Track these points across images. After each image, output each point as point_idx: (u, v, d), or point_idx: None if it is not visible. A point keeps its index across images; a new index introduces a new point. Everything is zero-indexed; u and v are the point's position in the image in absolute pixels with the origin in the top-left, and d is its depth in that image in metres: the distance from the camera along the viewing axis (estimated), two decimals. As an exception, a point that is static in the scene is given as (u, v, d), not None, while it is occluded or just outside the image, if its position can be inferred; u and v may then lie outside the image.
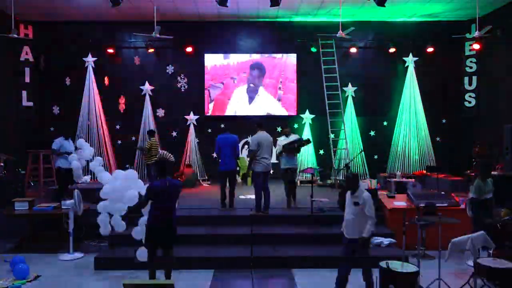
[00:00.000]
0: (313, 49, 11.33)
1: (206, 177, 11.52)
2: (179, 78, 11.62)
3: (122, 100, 11.55)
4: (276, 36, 11.64)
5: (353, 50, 11.42)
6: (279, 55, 11.54)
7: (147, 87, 11.42)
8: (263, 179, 7.37)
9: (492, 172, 7.33)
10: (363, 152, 11.10)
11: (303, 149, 11.36)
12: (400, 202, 7.38)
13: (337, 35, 9.59)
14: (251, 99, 11.57)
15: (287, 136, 7.85)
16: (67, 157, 8.14)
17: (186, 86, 11.65)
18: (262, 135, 7.44)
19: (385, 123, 11.66)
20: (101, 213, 6.13)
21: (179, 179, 10.14)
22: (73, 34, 11.26)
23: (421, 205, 6.81)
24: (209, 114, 11.60)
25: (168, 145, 10.96)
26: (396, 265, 4.41)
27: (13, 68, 11.08)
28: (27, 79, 11.27)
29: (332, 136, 11.07)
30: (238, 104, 11.57)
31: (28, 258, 6.19)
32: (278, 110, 11.57)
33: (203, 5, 10.04)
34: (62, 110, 11.53)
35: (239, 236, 6.72)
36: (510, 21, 9.68)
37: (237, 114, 11.58)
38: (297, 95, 11.54)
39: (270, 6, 8.44)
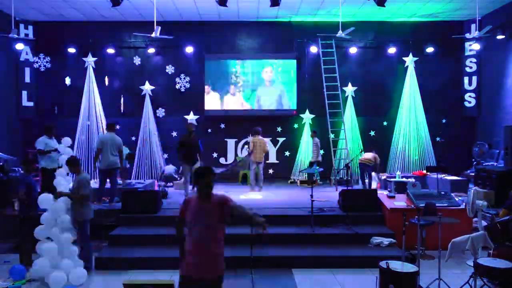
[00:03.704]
0: (313, 49, 11.33)
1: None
2: (179, 78, 11.62)
3: (122, 100, 11.55)
4: (276, 36, 11.64)
5: (353, 50, 11.42)
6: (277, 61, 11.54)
7: (147, 87, 11.42)
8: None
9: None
10: (363, 152, 11.08)
11: (303, 149, 11.46)
12: (400, 202, 7.38)
13: (337, 35, 9.59)
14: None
15: None
16: (53, 156, 7.87)
17: (186, 86, 11.65)
18: (107, 135, 8.39)
19: (385, 123, 11.66)
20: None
21: None
22: (73, 34, 11.26)
23: (421, 205, 6.81)
24: (212, 108, 11.52)
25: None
26: (396, 265, 4.41)
27: (13, 68, 11.08)
28: (27, 79, 11.28)
29: (332, 136, 11.07)
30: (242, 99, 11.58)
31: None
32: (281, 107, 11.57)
33: (203, 5, 10.04)
34: (62, 110, 11.52)
35: (239, 236, 6.72)
36: (510, 21, 9.68)
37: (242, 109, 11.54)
38: (297, 95, 11.54)
39: (270, 6, 8.45)
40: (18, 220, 6.09)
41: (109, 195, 8.24)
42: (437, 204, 6.85)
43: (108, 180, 8.27)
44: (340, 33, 9.50)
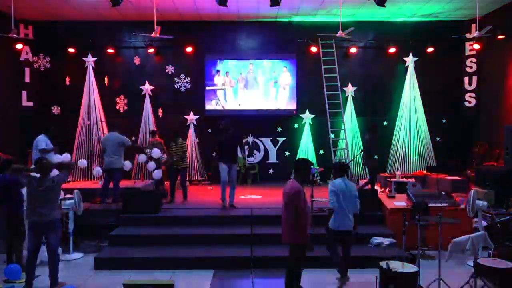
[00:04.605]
0: (313, 49, 11.33)
1: (207, 178, 11.52)
2: (179, 78, 11.62)
3: (122, 100, 11.56)
4: (276, 36, 11.64)
5: (353, 50, 11.42)
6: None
7: (147, 87, 11.42)
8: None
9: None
10: (363, 152, 11.08)
11: (303, 148, 11.46)
12: (400, 202, 7.38)
13: (337, 35, 9.59)
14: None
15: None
16: (51, 155, 7.90)
17: (186, 86, 11.65)
18: (108, 135, 8.65)
19: (385, 123, 11.66)
20: None
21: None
22: (73, 34, 11.25)
23: (414, 202, 6.81)
24: (213, 108, 11.51)
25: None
26: (396, 265, 4.41)
27: (13, 68, 11.08)
28: (27, 79, 11.27)
29: (332, 136, 11.06)
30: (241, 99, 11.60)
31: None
32: (280, 106, 11.58)
33: (203, 5, 10.04)
34: (62, 110, 11.52)
35: (239, 236, 6.72)
36: (510, 21, 9.68)
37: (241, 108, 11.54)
38: (297, 95, 11.54)
39: (270, 6, 8.44)
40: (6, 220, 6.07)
41: (112, 195, 8.23)
42: (437, 204, 6.85)
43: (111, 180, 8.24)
44: (340, 33, 9.49)
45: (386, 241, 6.55)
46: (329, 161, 11.06)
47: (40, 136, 8.22)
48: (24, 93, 11.25)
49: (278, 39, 11.64)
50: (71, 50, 11.18)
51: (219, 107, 11.50)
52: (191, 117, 11.53)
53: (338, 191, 5.43)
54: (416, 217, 5.22)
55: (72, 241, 6.81)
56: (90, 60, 11.22)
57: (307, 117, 11.53)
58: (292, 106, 11.54)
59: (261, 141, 11.76)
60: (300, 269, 4.86)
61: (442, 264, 5.04)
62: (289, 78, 11.51)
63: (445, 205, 7.03)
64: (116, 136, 8.28)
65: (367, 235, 6.71)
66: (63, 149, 8.86)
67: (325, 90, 11.11)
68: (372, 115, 11.62)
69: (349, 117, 11.41)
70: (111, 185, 8.23)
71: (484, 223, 6.05)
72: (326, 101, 11.11)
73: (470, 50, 11.19)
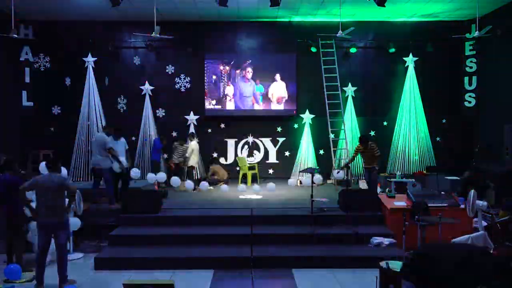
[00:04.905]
0: (313, 49, 11.33)
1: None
2: (179, 78, 11.62)
3: (122, 100, 11.55)
4: (276, 36, 11.64)
5: (353, 50, 11.42)
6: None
7: (147, 87, 11.42)
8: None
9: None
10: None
11: (303, 148, 11.45)
12: (400, 202, 7.37)
13: (337, 35, 9.59)
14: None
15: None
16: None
17: (186, 86, 11.65)
18: (96, 135, 8.69)
19: (385, 123, 11.66)
20: None
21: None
22: (73, 34, 11.25)
23: (414, 202, 6.80)
24: (213, 107, 11.54)
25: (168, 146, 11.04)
26: (396, 265, 4.41)
27: (13, 68, 11.08)
28: (27, 79, 11.27)
29: (332, 136, 11.06)
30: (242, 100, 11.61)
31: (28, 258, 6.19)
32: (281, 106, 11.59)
33: (203, 5, 10.04)
34: (62, 110, 11.51)
35: (239, 236, 6.72)
36: (510, 21, 9.68)
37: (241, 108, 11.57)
38: (297, 95, 11.54)
39: (270, 6, 8.45)
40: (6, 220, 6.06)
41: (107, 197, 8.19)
42: (437, 204, 6.85)
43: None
44: (340, 33, 9.49)
45: (386, 241, 6.57)
46: (329, 161, 11.08)
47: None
48: (24, 93, 11.26)
49: (278, 39, 11.64)
50: (71, 50, 11.17)
51: (218, 107, 11.52)
52: (191, 117, 11.53)
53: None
54: (416, 217, 5.23)
55: (72, 241, 6.81)
56: (90, 60, 11.22)
57: (307, 117, 11.53)
58: (292, 106, 11.56)
59: (261, 141, 11.76)
60: None
61: (442, 264, 5.03)
62: (283, 89, 11.52)
63: (445, 205, 7.03)
64: (101, 137, 8.12)
65: (367, 235, 6.72)
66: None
67: (325, 90, 11.12)
68: (372, 115, 11.63)
69: (349, 117, 11.41)
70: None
71: (484, 223, 6.05)
72: (326, 101, 11.12)
73: (470, 50, 11.20)
